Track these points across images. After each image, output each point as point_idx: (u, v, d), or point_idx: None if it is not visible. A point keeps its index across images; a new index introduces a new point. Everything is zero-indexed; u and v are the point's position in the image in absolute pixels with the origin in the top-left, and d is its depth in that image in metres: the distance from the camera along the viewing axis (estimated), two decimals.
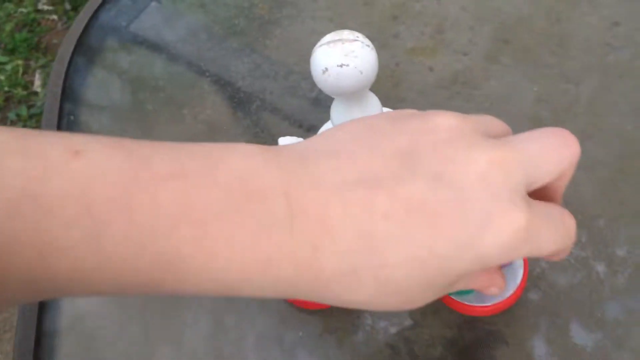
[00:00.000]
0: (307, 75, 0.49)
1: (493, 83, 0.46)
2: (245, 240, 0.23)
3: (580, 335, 0.36)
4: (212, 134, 0.47)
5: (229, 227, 0.23)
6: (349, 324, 0.38)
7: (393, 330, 0.38)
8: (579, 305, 0.37)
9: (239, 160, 0.24)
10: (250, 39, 0.52)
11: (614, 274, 0.38)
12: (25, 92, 1.53)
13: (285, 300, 0.39)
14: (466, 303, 0.37)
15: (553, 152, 0.25)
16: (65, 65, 0.53)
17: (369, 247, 0.24)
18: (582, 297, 0.37)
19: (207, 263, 0.23)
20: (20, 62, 1.57)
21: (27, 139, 0.22)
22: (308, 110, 0.47)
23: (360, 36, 0.35)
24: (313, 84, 0.48)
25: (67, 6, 1.66)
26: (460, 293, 0.36)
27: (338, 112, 0.39)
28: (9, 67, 1.57)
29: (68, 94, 0.52)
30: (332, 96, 0.37)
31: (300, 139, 0.35)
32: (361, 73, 0.34)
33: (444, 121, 0.25)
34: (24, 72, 1.58)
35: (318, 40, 0.36)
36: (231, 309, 0.40)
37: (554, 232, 0.25)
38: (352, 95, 0.36)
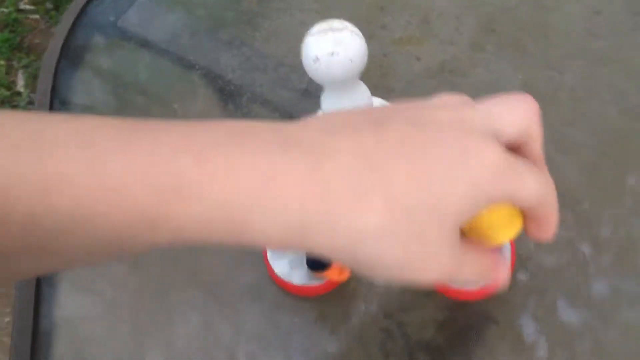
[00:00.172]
0: (296, 68, 0.49)
1: (479, 71, 0.47)
2: (245, 162, 0.24)
3: (567, 313, 0.37)
4: None
5: (227, 154, 0.24)
6: (342, 309, 0.39)
7: (386, 314, 0.39)
8: (565, 285, 0.38)
9: (235, 120, 0.26)
10: (239, 32, 0.53)
11: (599, 254, 0.39)
12: (8, 93, 1.52)
13: (280, 286, 0.40)
14: (457, 287, 0.38)
15: (511, 105, 0.28)
16: (54, 62, 0.53)
17: (369, 166, 0.24)
18: (569, 277, 0.38)
19: (209, 187, 0.23)
20: (2, 62, 1.56)
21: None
22: (298, 102, 0.48)
23: (349, 25, 0.35)
24: (302, 76, 0.49)
25: (49, 5, 1.65)
26: None
27: (329, 102, 0.39)
28: None
29: (58, 92, 0.52)
30: (323, 85, 0.38)
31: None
32: (351, 61, 0.35)
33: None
34: (7, 73, 1.57)
35: (306, 31, 0.36)
36: (225, 299, 0.41)
37: (534, 178, 0.27)
38: (343, 84, 0.37)
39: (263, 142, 0.25)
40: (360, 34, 0.35)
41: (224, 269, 0.41)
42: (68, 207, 0.22)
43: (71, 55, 0.54)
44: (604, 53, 0.47)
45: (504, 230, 0.30)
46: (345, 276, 0.39)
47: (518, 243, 0.39)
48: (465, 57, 0.48)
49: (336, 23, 0.35)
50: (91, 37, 0.55)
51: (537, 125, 0.28)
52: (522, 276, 0.39)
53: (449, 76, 0.47)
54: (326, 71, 0.35)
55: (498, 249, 0.36)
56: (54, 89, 0.52)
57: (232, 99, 0.49)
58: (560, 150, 0.43)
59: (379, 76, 0.48)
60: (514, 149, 0.28)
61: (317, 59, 0.35)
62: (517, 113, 0.28)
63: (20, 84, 1.55)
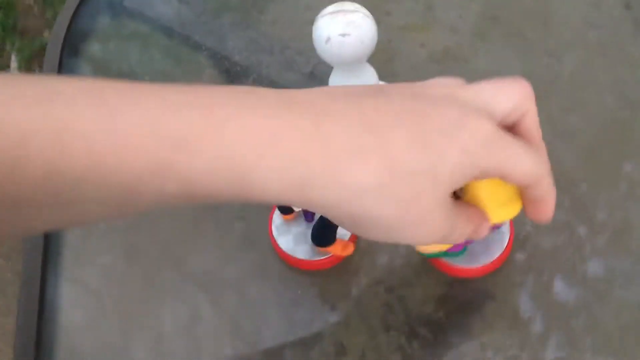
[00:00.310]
0: (302, 50, 0.50)
1: (481, 58, 0.48)
2: (249, 117, 0.25)
3: (563, 291, 0.39)
4: None
5: (232, 109, 0.25)
6: (345, 284, 0.40)
7: (387, 289, 0.40)
8: (562, 264, 0.39)
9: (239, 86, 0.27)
10: (245, 14, 0.53)
11: (594, 235, 0.40)
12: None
13: (284, 261, 0.41)
14: (456, 265, 0.39)
15: (502, 85, 0.29)
16: (61, 39, 0.54)
17: (368, 128, 0.26)
18: (565, 257, 0.40)
19: (214, 138, 0.24)
20: None
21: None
22: (304, 85, 0.49)
23: (360, 7, 0.37)
24: (308, 59, 0.50)
25: None
26: (452, 255, 0.38)
27: (336, 83, 0.40)
28: None
29: (63, 71, 0.53)
30: (333, 65, 0.39)
31: None
32: (362, 42, 0.36)
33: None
34: (0, 55, 1.56)
35: (313, 16, 0.37)
36: (228, 279, 0.42)
37: (528, 156, 0.28)
38: (352, 65, 0.38)
39: (267, 102, 0.26)
40: (372, 16, 0.36)
41: (214, 260, 0.42)
42: (82, 159, 0.23)
43: (77, 33, 0.55)
44: (602, 42, 0.48)
45: (501, 209, 0.31)
46: (348, 251, 0.40)
47: (517, 224, 0.40)
48: (468, 44, 0.49)
49: (348, 5, 0.36)
50: (97, 16, 0.55)
51: (530, 104, 0.29)
52: (520, 256, 0.40)
53: (452, 62, 0.48)
54: (337, 52, 0.36)
55: (497, 227, 0.37)
56: (60, 67, 0.53)
57: (239, 80, 0.50)
58: (559, 136, 0.44)
59: (384, 61, 0.49)
60: (511, 129, 0.30)
61: (328, 39, 0.36)
62: (508, 91, 0.29)
63: (13, 66, 1.55)
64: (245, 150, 0.25)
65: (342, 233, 0.40)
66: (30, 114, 0.23)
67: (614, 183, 0.42)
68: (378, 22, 0.38)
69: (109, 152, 0.23)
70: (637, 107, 0.45)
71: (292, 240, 0.41)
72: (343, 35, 0.36)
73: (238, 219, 0.43)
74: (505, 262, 0.40)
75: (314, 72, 0.49)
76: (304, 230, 0.41)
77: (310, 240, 0.40)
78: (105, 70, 0.53)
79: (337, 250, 0.40)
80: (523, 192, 0.31)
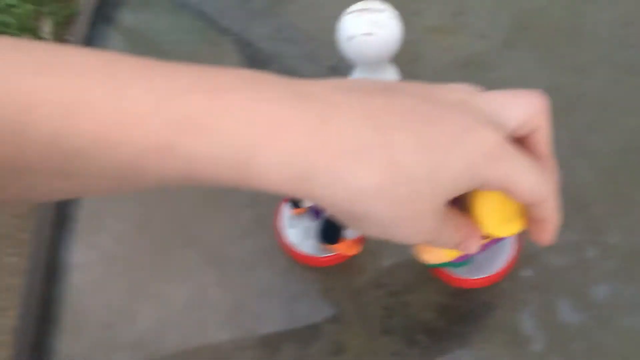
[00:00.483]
0: (327, 43, 0.50)
1: (507, 68, 0.47)
2: (255, 107, 0.25)
3: (567, 313, 0.38)
4: None
5: (240, 94, 0.25)
6: (347, 283, 0.40)
7: (390, 293, 0.40)
8: (568, 285, 0.39)
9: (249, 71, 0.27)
10: (273, 2, 0.53)
11: (604, 259, 0.40)
12: (33, 37, 1.53)
13: (289, 255, 0.41)
14: (458, 275, 0.39)
15: (517, 96, 0.29)
16: (92, 8, 0.54)
17: (374, 126, 0.26)
18: (573, 278, 0.39)
19: (218, 122, 0.24)
20: (30, 6, 1.57)
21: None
22: (326, 78, 0.48)
23: (388, 7, 0.36)
24: (332, 52, 0.49)
25: None
26: (456, 265, 0.38)
27: None
28: (19, 10, 1.56)
29: (88, 44, 0.53)
30: (355, 63, 0.38)
31: None
32: (385, 43, 0.36)
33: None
34: (34, 18, 1.57)
35: (340, 8, 0.37)
36: (235, 260, 0.42)
37: (532, 172, 0.28)
38: (374, 65, 0.38)
39: (274, 90, 0.26)
40: (399, 17, 0.36)
41: (224, 239, 0.43)
42: (87, 130, 0.24)
43: (106, 9, 0.55)
44: (631, 63, 0.47)
45: (502, 224, 0.31)
46: (354, 251, 0.40)
47: (526, 241, 0.39)
48: (495, 53, 0.48)
49: (376, 4, 0.36)
50: None
51: (542, 120, 0.29)
52: (526, 273, 0.39)
53: (477, 69, 0.48)
54: (359, 50, 0.36)
55: (498, 240, 0.37)
56: (90, 33, 0.53)
57: (261, 68, 0.49)
58: (579, 154, 0.43)
59: (407, 62, 0.48)
60: (523, 143, 0.29)
61: (351, 38, 0.36)
62: (522, 103, 0.28)
63: (46, 30, 1.56)
64: (246, 139, 0.25)
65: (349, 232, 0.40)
66: (40, 82, 0.23)
67: (630, 208, 0.41)
68: (406, 21, 0.37)
69: (113, 126, 0.24)
70: None
71: (300, 233, 0.41)
72: (366, 34, 0.35)
73: (252, 202, 0.43)
74: (511, 278, 0.39)
75: (337, 66, 0.49)
76: (313, 225, 0.40)
77: (316, 237, 0.39)
78: (134, 40, 0.53)
79: (342, 249, 0.39)
80: (527, 210, 0.30)
